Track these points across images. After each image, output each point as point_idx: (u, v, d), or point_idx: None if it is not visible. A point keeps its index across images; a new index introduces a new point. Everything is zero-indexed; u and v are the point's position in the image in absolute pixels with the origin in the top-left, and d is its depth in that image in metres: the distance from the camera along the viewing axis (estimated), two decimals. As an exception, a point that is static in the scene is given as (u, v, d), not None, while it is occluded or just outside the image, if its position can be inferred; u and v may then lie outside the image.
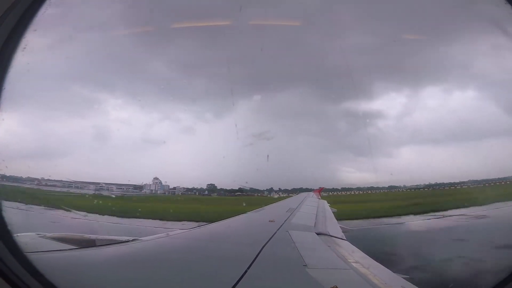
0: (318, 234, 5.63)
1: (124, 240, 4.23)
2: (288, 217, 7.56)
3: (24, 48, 2.23)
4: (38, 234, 4.10)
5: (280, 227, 5.85)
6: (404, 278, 3.43)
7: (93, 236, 4.32)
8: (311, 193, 20.18)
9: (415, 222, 13.98)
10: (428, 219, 13.84)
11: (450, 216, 13.03)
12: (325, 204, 12.93)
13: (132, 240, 4.19)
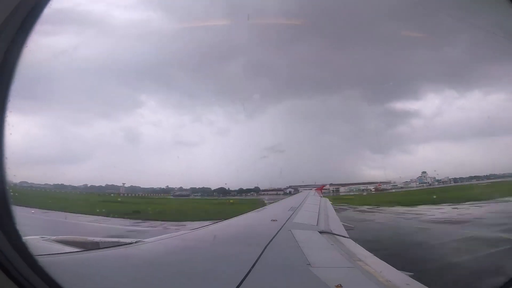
0: (321, 232, 5.63)
1: (128, 242, 4.24)
2: (291, 216, 7.57)
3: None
4: (43, 237, 4.12)
5: (282, 227, 5.86)
6: (408, 275, 3.43)
7: (96, 239, 4.33)
8: (312, 191, 20.16)
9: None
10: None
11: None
12: (327, 202, 12.95)
13: (136, 242, 4.20)
